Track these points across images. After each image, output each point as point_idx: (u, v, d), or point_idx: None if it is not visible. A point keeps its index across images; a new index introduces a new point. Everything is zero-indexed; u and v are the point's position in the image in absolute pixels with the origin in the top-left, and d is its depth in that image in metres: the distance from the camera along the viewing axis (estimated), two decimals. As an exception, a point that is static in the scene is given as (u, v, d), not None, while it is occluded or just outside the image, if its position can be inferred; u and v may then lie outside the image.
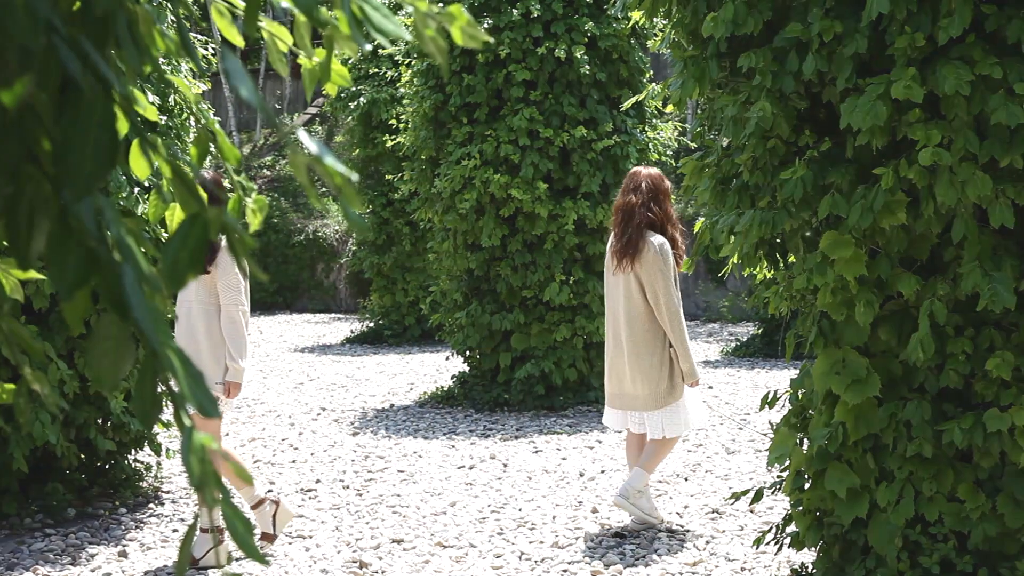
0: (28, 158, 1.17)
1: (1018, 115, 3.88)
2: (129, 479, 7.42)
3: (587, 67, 10.39)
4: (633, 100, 6.36)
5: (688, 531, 6.54)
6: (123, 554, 6.23)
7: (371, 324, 17.37)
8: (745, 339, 15.16)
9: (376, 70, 16.35)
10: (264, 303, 23.39)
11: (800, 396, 4.96)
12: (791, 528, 5.15)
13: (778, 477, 5.27)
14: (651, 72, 11.34)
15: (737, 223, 4.60)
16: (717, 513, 6.90)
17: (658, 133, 11.13)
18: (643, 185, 6.53)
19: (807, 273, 4.39)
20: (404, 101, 11.68)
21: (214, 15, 1.74)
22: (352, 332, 17.74)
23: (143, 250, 1.32)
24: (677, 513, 6.93)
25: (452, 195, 10.68)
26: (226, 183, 6.20)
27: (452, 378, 11.66)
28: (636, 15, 4.92)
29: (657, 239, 6.42)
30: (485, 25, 10.41)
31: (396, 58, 14.71)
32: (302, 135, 1.44)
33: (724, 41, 4.49)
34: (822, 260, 4.33)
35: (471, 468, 8.31)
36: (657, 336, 6.51)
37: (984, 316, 4.36)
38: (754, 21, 4.32)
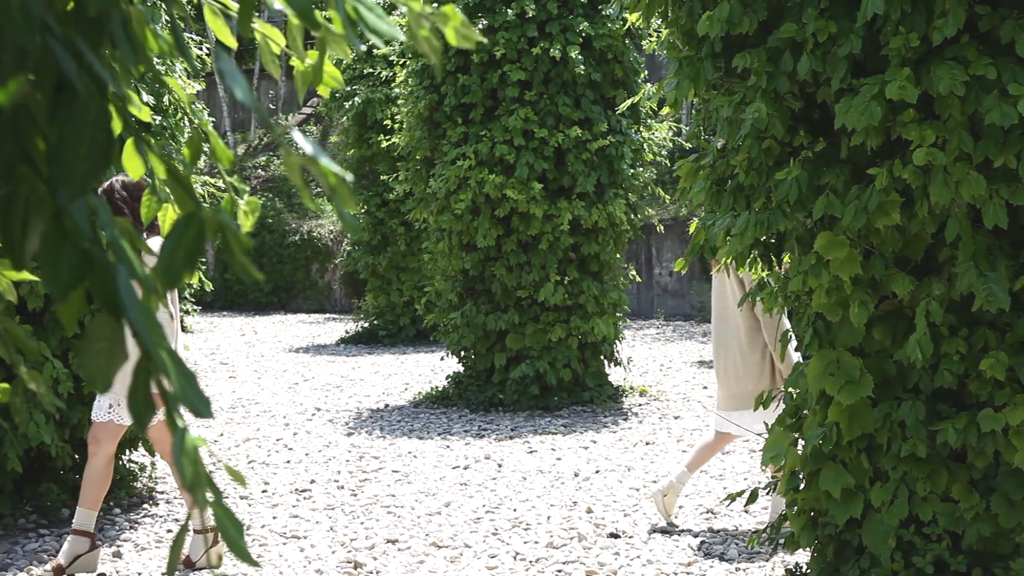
0: (22, 158, 1.17)
1: (1012, 115, 3.89)
2: (123, 479, 7.41)
3: (582, 67, 10.39)
4: (629, 102, 6.36)
5: (683, 531, 6.55)
6: (117, 554, 6.22)
7: (366, 324, 17.37)
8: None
9: (371, 70, 16.35)
10: (259, 303, 23.38)
11: (795, 396, 4.96)
12: (786, 528, 5.15)
13: (773, 477, 5.28)
14: (646, 72, 11.35)
15: (732, 224, 4.60)
16: (712, 513, 6.90)
17: (653, 133, 11.13)
18: None
19: (802, 276, 4.39)
20: (399, 101, 11.68)
21: (207, 16, 1.74)
22: (347, 332, 17.73)
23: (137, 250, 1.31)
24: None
25: (447, 195, 10.68)
26: (217, 182, 6.21)
27: (447, 378, 11.66)
28: (632, 17, 4.92)
29: None
30: (480, 25, 10.41)
31: (391, 58, 14.70)
32: (296, 135, 1.44)
33: (719, 41, 4.49)
34: (817, 262, 4.33)
35: (466, 468, 8.31)
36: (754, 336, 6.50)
37: (978, 316, 4.36)
38: (749, 21, 4.32)
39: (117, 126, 1.30)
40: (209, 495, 1.23)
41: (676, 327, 18.64)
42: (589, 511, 7.00)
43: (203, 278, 7.55)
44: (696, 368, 13.68)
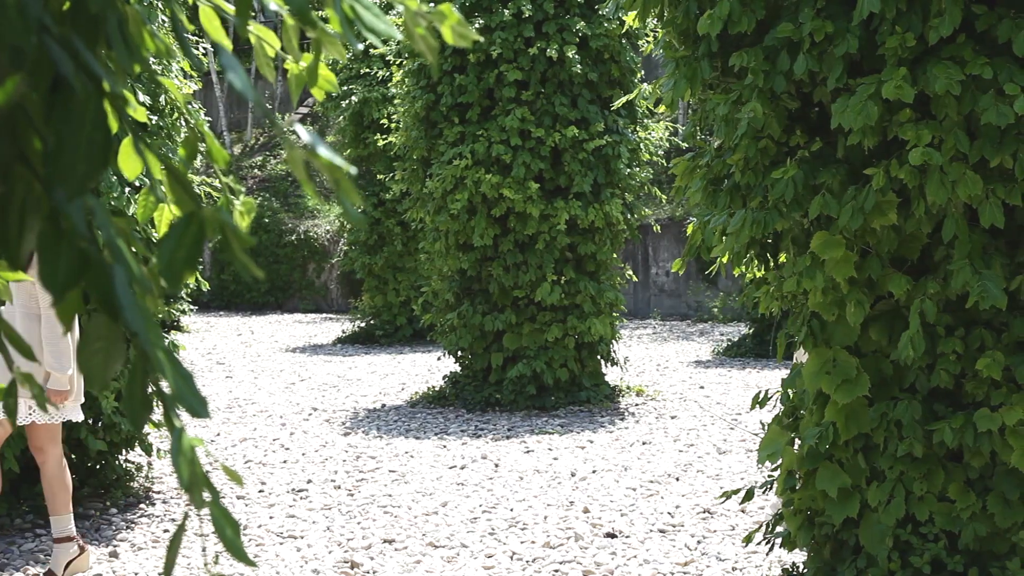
0: (19, 158, 1.16)
1: (1008, 115, 3.89)
2: (120, 479, 7.40)
3: (578, 67, 10.39)
4: (624, 99, 6.36)
5: (679, 531, 6.55)
6: (114, 554, 6.22)
7: (362, 324, 17.37)
8: (736, 339, 15.18)
9: (367, 70, 16.34)
10: (255, 303, 23.38)
11: (791, 396, 4.97)
12: (782, 528, 5.16)
13: (769, 476, 5.28)
14: (642, 72, 11.35)
15: (728, 223, 4.60)
16: (708, 513, 6.91)
17: (649, 133, 11.14)
18: None
19: (797, 276, 4.39)
20: (395, 101, 11.68)
21: (203, 17, 1.74)
22: (343, 332, 17.73)
23: (134, 250, 1.31)
24: (668, 513, 6.93)
25: (444, 195, 10.68)
26: (213, 182, 6.21)
27: (443, 378, 11.66)
28: (629, 17, 4.92)
29: None
30: (476, 25, 10.40)
31: (388, 58, 14.71)
32: (300, 129, 1.43)
33: (716, 41, 4.49)
34: (812, 263, 4.33)
35: (462, 468, 8.31)
36: None
37: (975, 316, 4.37)
38: (747, 19, 4.33)
39: (113, 126, 1.30)
40: (206, 495, 1.22)
41: (672, 327, 18.65)
42: (586, 511, 7.00)
43: (199, 278, 7.55)
44: (693, 368, 13.69)
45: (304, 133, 1.38)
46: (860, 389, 4.41)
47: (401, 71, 11.24)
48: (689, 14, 4.59)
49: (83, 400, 5.75)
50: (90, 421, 7.07)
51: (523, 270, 10.65)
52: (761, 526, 5.26)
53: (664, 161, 11.30)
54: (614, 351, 11.32)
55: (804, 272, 4.33)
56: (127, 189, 6.57)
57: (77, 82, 1.15)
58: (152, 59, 5.94)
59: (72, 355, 5.47)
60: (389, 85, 13.97)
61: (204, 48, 8.42)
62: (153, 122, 6.90)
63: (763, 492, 5.33)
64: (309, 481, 7.96)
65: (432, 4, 1.59)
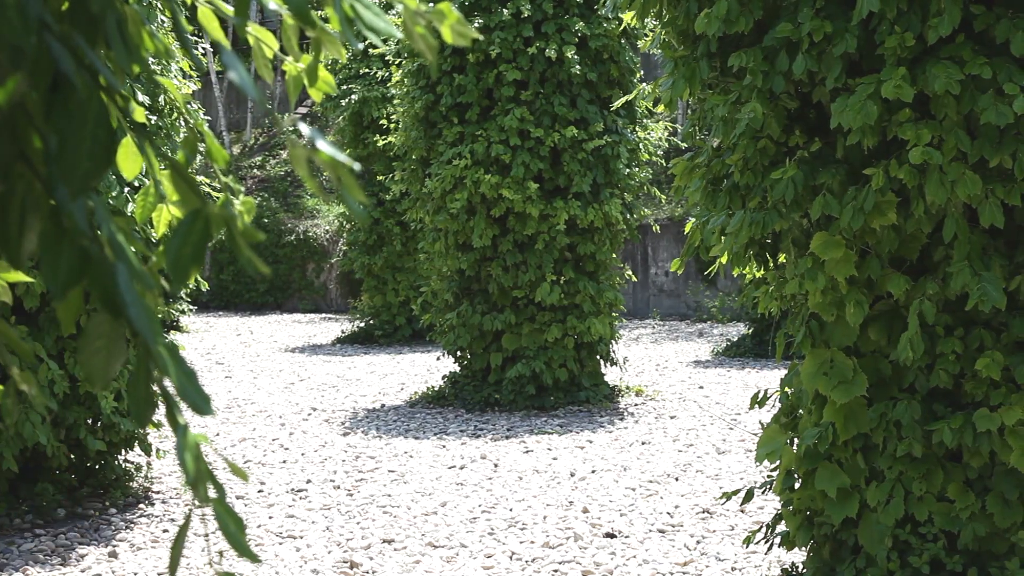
0: (19, 157, 1.16)
1: (1007, 115, 3.89)
2: (119, 479, 7.40)
3: (578, 67, 10.39)
4: (623, 100, 6.36)
5: (679, 531, 6.55)
6: (113, 554, 6.22)
7: (362, 324, 17.37)
8: (735, 339, 15.18)
9: (367, 69, 16.34)
10: (254, 303, 23.38)
11: (790, 395, 4.97)
12: (781, 527, 5.16)
13: (768, 476, 5.28)
14: (641, 72, 11.35)
15: (728, 223, 4.60)
16: (708, 513, 6.91)
17: (649, 133, 11.14)
18: None
19: (799, 278, 4.39)
20: (395, 101, 11.68)
21: (201, 17, 1.74)
22: (343, 332, 17.73)
23: (133, 249, 1.31)
24: (668, 513, 6.93)
25: (443, 195, 10.68)
26: (212, 182, 6.21)
27: (443, 378, 11.66)
28: (627, 16, 4.92)
29: None
30: (476, 25, 10.40)
31: (387, 58, 14.72)
32: (303, 127, 1.43)
33: (715, 41, 4.49)
34: (813, 265, 4.33)
35: (462, 468, 8.31)
36: None
37: (974, 316, 4.37)
38: (745, 20, 4.33)
39: (113, 123, 1.30)
40: (212, 491, 1.23)
41: (672, 327, 18.65)
42: (585, 511, 7.00)
43: (199, 278, 7.55)
44: (692, 368, 13.69)
45: (306, 130, 1.38)
46: (857, 389, 4.41)
47: (400, 71, 11.24)
48: (688, 14, 4.59)
49: None
50: (89, 421, 7.08)
51: (522, 270, 10.65)
52: (761, 526, 5.26)
53: (663, 161, 11.30)
54: (613, 351, 11.32)
55: (806, 273, 4.33)
56: (126, 189, 6.57)
57: (79, 79, 1.15)
58: (151, 59, 5.94)
59: None
60: (388, 85, 13.98)
61: (203, 48, 8.42)
62: (152, 122, 6.90)
63: (762, 492, 5.33)
64: (308, 481, 7.96)
65: (431, 3, 1.59)
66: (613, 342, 11.28)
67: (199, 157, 1.76)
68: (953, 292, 4.21)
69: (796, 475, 4.80)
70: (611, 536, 6.48)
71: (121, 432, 7.08)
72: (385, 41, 10.99)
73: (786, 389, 5.01)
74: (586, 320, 10.67)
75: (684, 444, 9.01)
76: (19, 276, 1.63)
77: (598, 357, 11.14)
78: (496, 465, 8.38)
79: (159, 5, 6.71)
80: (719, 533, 6.46)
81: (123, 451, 7.43)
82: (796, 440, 4.87)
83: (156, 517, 6.99)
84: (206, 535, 1.74)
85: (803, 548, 4.97)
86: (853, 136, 4.13)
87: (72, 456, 7.15)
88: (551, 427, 9.83)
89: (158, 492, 7.56)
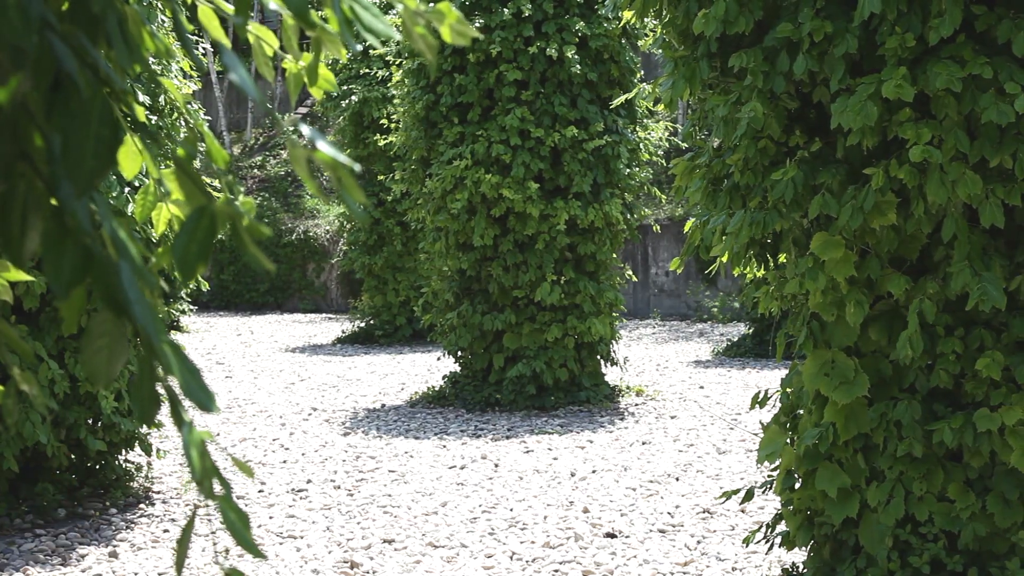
0: (21, 156, 1.17)
1: (1008, 114, 3.89)
2: (119, 479, 7.40)
3: (578, 67, 10.39)
4: (623, 98, 6.36)
5: (679, 530, 6.55)
6: (113, 554, 6.22)
7: (362, 324, 17.37)
8: (736, 339, 15.18)
9: (367, 70, 16.34)
10: (255, 303, 23.38)
11: (790, 396, 4.97)
12: (781, 527, 5.16)
13: (769, 476, 5.28)
14: (642, 72, 11.36)
15: (728, 223, 4.60)
16: (708, 513, 6.91)
17: (649, 133, 11.14)
18: None
19: (799, 278, 4.39)
20: (395, 101, 11.69)
21: (201, 16, 1.74)
22: (343, 332, 17.73)
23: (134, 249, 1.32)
24: (668, 513, 6.94)
25: (443, 195, 10.69)
26: (213, 182, 6.22)
27: (443, 378, 11.66)
28: (627, 15, 4.92)
29: None
30: (476, 24, 10.41)
31: (387, 58, 14.73)
32: (303, 127, 1.44)
33: (715, 41, 4.49)
34: (814, 265, 4.33)
35: (462, 468, 8.31)
36: None
37: (974, 316, 4.37)
38: (745, 20, 4.32)
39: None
40: (218, 487, 1.23)
41: (672, 327, 18.65)
42: (586, 511, 7.01)
43: (199, 278, 7.55)
44: (692, 368, 13.69)
45: (306, 130, 1.39)
46: (859, 390, 4.41)
47: (401, 71, 11.24)
48: (688, 14, 4.59)
49: None
50: (90, 421, 7.08)
51: (523, 270, 10.65)
52: (761, 526, 5.27)
53: (664, 161, 11.31)
54: (614, 351, 11.32)
55: (807, 273, 4.33)
56: (126, 189, 6.57)
57: (82, 78, 1.15)
58: (152, 59, 5.94)
59: None
60: (389, 85, 13.98)
61: (203, 48, 8.42)
62: (153, 122, 6.90)
63: (763, 492, 5.34)
64: (309, 481, 7.96)
65: (431, 3, 1.60)
66: (613, 342, 11.29)
67: (199, 157, 1.76)
68: (953, 292, 4.21)
69: (796, 475, 4.80)
70: (611, 536, 6.48)
71: (121, 432, 7.08)
72: (384, 43, 10.99)
73: (786, 389, 5.01)
74: (586, 320, 10.67)
75: (684, 444, 9.01)
76: (20, 275, 1.63)
77: (598, 357, 11.14)
78: (496, 465, 8.38)
79: (159, 5, 6.71)
80: (719, 533, 6.46)
81: (123, 451, 7.43)
82: (796, 440, 4.87)
83: (156, 517, 6.99)
84: (209, 534, 1.74)
85: (803, 548, 4.98)
86: (853, 136, 4.13)
87: (72, 456, 7.15)
88: (551, 427, 9.83)
89: (158, 492, 7.57)
